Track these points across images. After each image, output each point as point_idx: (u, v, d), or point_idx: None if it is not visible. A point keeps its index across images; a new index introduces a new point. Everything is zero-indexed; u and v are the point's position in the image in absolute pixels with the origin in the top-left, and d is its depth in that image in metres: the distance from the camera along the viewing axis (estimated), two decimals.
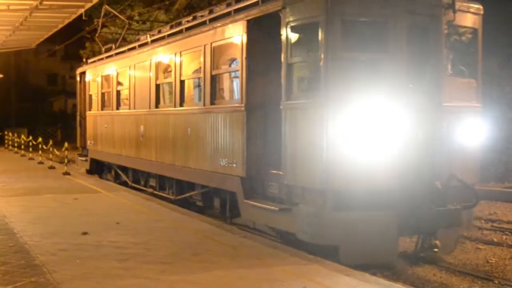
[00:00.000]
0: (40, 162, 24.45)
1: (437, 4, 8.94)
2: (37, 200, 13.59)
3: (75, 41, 33.96)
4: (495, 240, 11.50)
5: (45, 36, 29.75)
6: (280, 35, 9.22)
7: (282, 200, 9.39)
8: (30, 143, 28.75)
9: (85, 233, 9.51)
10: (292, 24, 9.10)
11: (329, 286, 6.71)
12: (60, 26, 26.04)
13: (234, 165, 10.50)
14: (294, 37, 9.16)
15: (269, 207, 9.36)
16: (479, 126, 9.58)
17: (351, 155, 8.30)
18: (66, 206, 12.81)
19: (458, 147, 9.16)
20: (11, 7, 20.29)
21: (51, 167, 22.29)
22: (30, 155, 27.93)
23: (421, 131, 8.78)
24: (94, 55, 21.74)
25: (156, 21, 29.01)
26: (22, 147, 30.79)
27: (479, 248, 10.87)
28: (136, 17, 29.13)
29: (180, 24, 13.80)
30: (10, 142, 35.70)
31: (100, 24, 23.32)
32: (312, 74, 8.96)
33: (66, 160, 21.32)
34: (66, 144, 21.44)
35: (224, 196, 11.45)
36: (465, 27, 9.65)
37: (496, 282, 8.77)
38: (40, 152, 25.45)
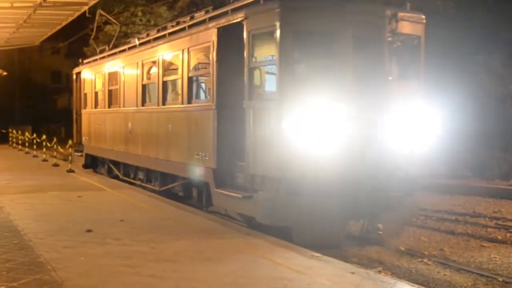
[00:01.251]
0: (44, 160, 24.49)
1: (381, 15, 10.06)
2: (41, 198, 13.60)
3: (79, 39, 33.96)
4: (500, 238, 11.50)
5: (49, 34, 29.75)
6: (248, 41, 10.33)
7: (247, 188, 10.47)
8: (34, 141, 28.78)
9: (89, 231, 9.52)
10: (253, 32, 10.28)
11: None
12: (64, 23, 26.03)
13: (207, 158, 11.70)
14: (254, 44, 10.34)
15: (234, 194, 10.57)
16: (423, 123, 10.41)
17: (302, 148, 9.41)
18: (70, 203, 12.83)
19: (402, 142, 10.15)
20: (15, 5, 20.30)
21: (55, 165, 22.31)
22: (34, 152, 27.96)
23: (365, 127, 9.81)
24: (97, 52, 22.05)
25: (159, 18, 29.01)
26: (26, 144, 30.87)
27: (483, 246, 10.87)
28: (140, 15, 29.11)
29: (165, 28, 14.86)
30: (14, 140, 35.75)
31: (94, 29, 24.18)
32: (269, 78, 10.43)
33: (70, 158, 21.34)
34: (70, 142, 21.44)
35: (200, 187, 12.53)
36: (408, 34, 10.63)
37: (500, 280, 8.76)
38: (44, 149, 25.49)
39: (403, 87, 10.44)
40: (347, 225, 10.24)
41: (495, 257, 10.05)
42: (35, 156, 27.10)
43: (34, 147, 28.62)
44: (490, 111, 19.21)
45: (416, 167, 10.40)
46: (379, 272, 8.16)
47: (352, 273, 7.18)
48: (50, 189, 15.16)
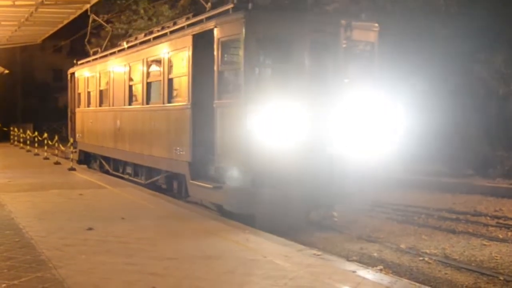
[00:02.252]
0: (46, 158, 24.51)
1: (336, 24, 11.24)
2: (43, 196, 13.62)
3: (81, 37, 33.95)
4: (501, 236, 11.49)
5: (51, 32, 29.75)
6: (217, 47, 11.47)
7: (218, 180, 11.60)
8: (36, 139, 28.81)
9: (90, 229, 9.53)
10: (222, 39, 11.42)
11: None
12: (66, 21, 26.03)
13: (183, 152, 12.83)
14: (223, 49, 11.48)
15: (206, 185, 11.81)
16: (376, 120, 11.57)
17: (265, 143, 10.45)
18: (72, 201, 12.85)
19: (356, 138, 11.29)
20: (16, 3, 20.31)
21: (57, 163, 22.35)
22: (36, 150, 28.01)
23: (321, 124, 10.96)
24: (91, 54, 22.57)
25: (161, 17, 29.00)
26: (28, 142, 30.86)
27: (484, 244, 10.86)
28: (142, 13, 29.11)
29: (151, 33, 15.92)
30: (15, 138, 35.77)
31: (88, 33, 24.81)
32: (235, 80, 11.33)
33: (71, 156, 21.36)
34: (71, 140, 21.46)
35: (179, 179, 13.65)
36: (362, 41, 11.89)
37: (502, 278, 8.75)
38: (45, 147, 25.53)
39: (358, 88, 11.59)
40: (306, 213, 11.53)
41: (496, 256, 10.04)
42: (36, 154, 27.15)
43: (36, 145, 28.64)
44: (492, 109, 19.20)
45: (371, 161, 11.47)
46: (380, 270, 8.16)
47: (354, 271, 7.19)
48: (52, 187, 15.18)
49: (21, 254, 7.81)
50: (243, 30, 10.81)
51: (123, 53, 17.47)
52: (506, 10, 22.10)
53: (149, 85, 15.28)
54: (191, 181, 12.47)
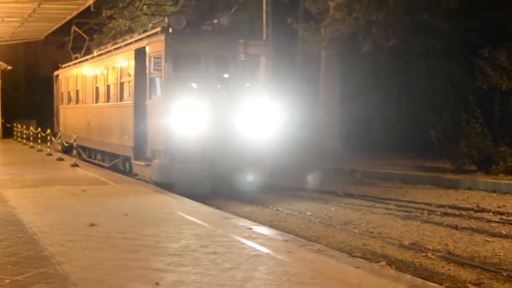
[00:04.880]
0: (49, 154, 24.53)
1: (236, 43, 15.43)
2: (46, 192, 13.65)
3: (84, 32, 33.89)
4: (504, 232, 11.46)
5: (54, 28, 29.79)
6: (148, 60, 15.58)
7: (150, 159, 15.68)
8: (39, 135, 28.82)
9: (93, 225, 9.54)
10: (151, 54, 15.52)
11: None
12: (69, 17, 26.07)
13: (129, 139, 16.83)
14: (151, 62, 15.54)
15: (142, 163, 15.97)
16: (264, 115, 15.58)
17: (180, 131, 14.63)
18: (75, 197, 12.87)
19: (250, 127, 15.30)
20: None
21: (60, 159, 22.38)
22: (39, 146, 28.03)
23: (222, 117, 15.01)
24: (73, 59, 26.49)
25: (165, 15, 28.95)
26: (31, 138, 30.88)
27: (487, 240, 10.85)
28: (145, 9, 29.07)
29: (116, 43, 19.68)
30: (19, 134, 35.78)
31: (71, 40, 28.22)
32: (160, 85, 15.36)
33: (74, 152, 21.40)
34: (74, 136, 21.48)
35: (129, 161, 17.28)
36: (255, 55, 15.90)
37: (505, 274, 8.74)
38: (48, 143, 25.53)
39: (253, 90, 15.80)
40: (212, 182, 14.88)
41: (499, 252, 10.03)
42: (39, 150, 27.14)
43: (39, 141, 28.64)
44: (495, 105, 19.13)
45: (261, 146, 15.47)
46: (383, 266, 8.16)
47: (356, 267, 7.19)
48: (55, 183, 15.22)
49: (25, 250, 7.82)
50: (164, 48, 14.87)
51: (93, 60, 21.75)
52: (509, 3, 22.07)
53: (108, 87, 19.42)
54: (134, 161, 16.62)
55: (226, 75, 15.56)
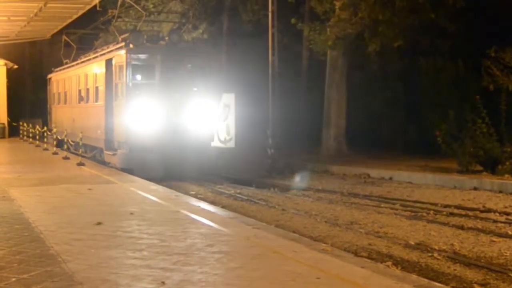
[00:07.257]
0: (55, 153, 24.57)
1: (183, 54, 19.51)
2: (52, 190, 13.68)
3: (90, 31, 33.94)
4: (510, 233, 11.42)
5: (60, 27, 29.82)
6: (114, 69, 19.48)
7: (116, 149, 19.40)
8: (45, 134, 28.85)
9: (99, 223, 9.56)
10: (116, 64, 19.36)
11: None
12: (75, 16, 26.09)
13: (101, 133, 20.67)
14: (116, 70, 19.34)
15: (110, 153, 19.84)
16: (204, 113, 19.44)
17: (138, 127, 18.39)
18: (81, 196, 12.90)
19: (194, 123, 19.10)
20: None
21: (66, 158, 22.42)
22: (45, 145, 28.09)
23: (174, 115, 18.74)
24: (64, 64, 29.79)
25: (171, 12, 28.98)
26: (37, 137, 30.93)
27: (493, 241, 10.82)
28: (151, 7, 29.10)
29: (97, 51, 23.35)
30: (25, 133, 35.83)
31: (62, 46, 31.33)
32: (123, 89, 19.00)
33: (80, 151, 21.43)
34: (80, 135, 21.51)
35: (103, 152, 20.77)
36: (202, 63, 19.88)
37: (511, 275, 8.72)
38: (54, 142, 25.55)
39: (199, 92, 19.51)
40: (164, 169, 18.41)
41: (506, 252, 10.01)
42: (45, 149, 27.21)
43: (45, 140, 28.66)
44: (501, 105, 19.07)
45: (204, 138, 19.30)
46: (389, 266, 8.15)
47: (362, 267, 7.18)
48: (61, 182, 15.25)
49: (31, 248, 7.85)
50: (125, 59, 18.66)
51: (77, 66, 25.74)
52: None
53: (88, 90, 23.31)
54: (105, 152, 20.43)
55: (176, 81, 19.08)
